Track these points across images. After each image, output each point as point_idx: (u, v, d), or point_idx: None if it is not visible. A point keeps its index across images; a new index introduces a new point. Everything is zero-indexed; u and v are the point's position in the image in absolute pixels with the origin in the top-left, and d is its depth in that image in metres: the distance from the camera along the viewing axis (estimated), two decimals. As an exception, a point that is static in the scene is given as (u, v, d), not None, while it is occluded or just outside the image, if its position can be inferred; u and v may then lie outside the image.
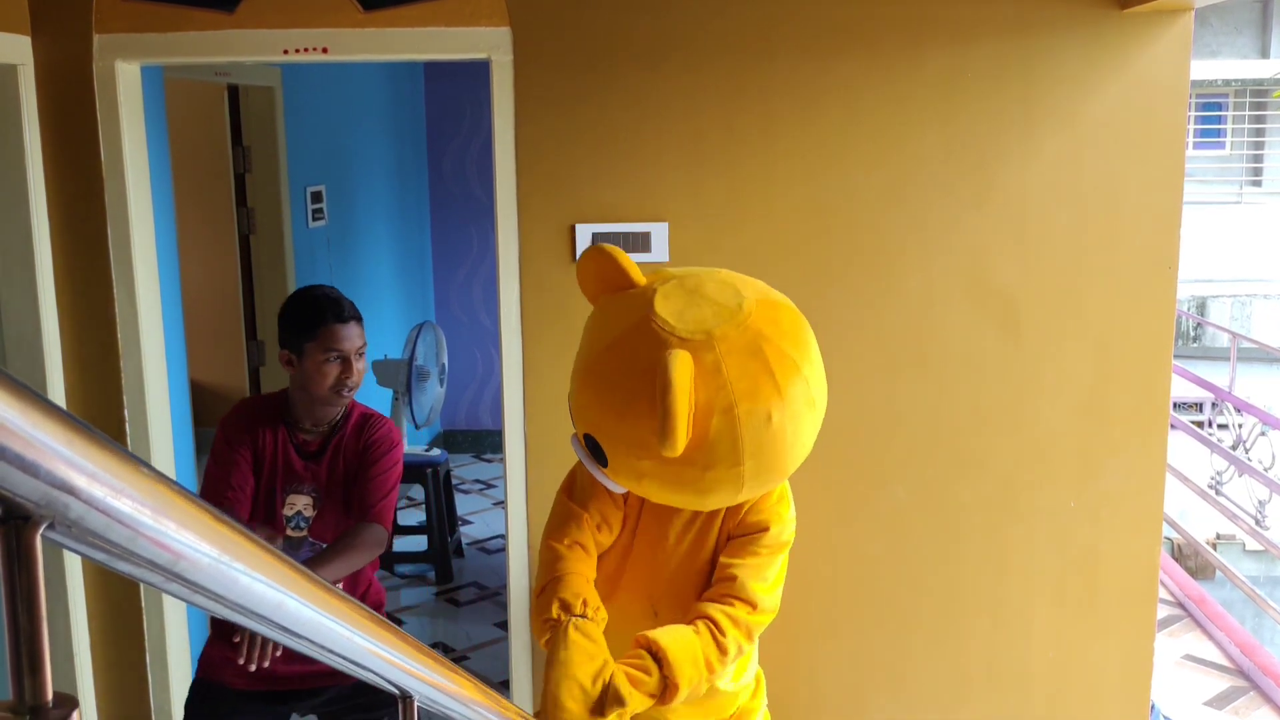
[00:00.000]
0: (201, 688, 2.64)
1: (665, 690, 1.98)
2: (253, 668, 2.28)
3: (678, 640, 2.02)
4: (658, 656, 1.99)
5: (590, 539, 2.20)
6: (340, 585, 2.43)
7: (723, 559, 2.18)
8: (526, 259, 3.08)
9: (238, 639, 2.30)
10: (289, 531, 2.58)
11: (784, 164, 3.06)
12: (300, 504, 2.57)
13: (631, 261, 2.14)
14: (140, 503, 0.60)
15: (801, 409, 2.02)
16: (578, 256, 3.13)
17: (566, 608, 2.03)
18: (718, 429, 1.94)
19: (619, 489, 2.18)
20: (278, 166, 5.03)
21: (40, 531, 0.55)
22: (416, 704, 1.22)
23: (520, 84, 3.03)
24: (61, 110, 3.00)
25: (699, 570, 2.24)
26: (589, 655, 1.95)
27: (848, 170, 3.05)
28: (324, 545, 2.57)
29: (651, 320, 1.99)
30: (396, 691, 1.20)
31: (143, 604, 3.19)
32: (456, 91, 6.98)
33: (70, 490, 0.55)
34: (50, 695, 0.57)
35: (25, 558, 0.55)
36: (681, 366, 1.88)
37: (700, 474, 1.99)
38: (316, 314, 2.55)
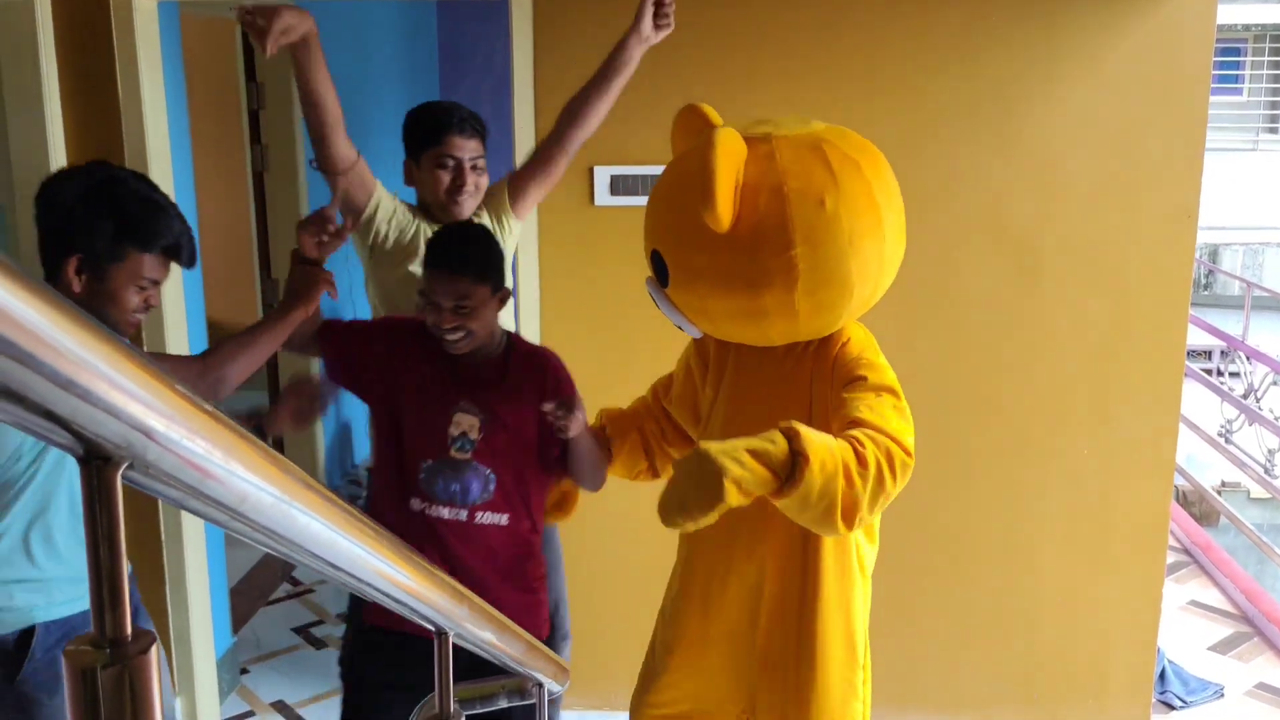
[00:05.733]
0: (370, 634, 2.36)
1: (794, 467, 1.68)
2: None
3: (814, 430, 1.76)
4: (789, 433, 1.71)
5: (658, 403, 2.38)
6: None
7: (840, 414, 1.95)
8: (544, 201, 3.07)
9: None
10: (453, 452, 2.29)
11: (805, 109, 3.03)
12: (466, 424, 2.30)
13: (715, 113, 2.12)
14: (213, 445, 0.62)
15: (861, 207, 1.91)
16: (596, 199, 3.13)
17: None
18: (765, 206, 1.88)
19: (691, 329, 2.10)
20: (291, 103, 4.98)
21: (121, 472, 0.57)
22: (451, 639, 1.26)
23: (540, 22, 3.01)
24: (78, 46, 2.99)
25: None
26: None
27: (870, 116, 3.03)
28: (489, 471, 2.29)
29: (714, 130, 1.93)
30: (433, 628, 1.24)
31: (165, 573, 3.19)
32: (469, 30, 6.91)
33: (148, 433, 0.56)
34: (130, 629, 0.59)
35: (107, 497, 0.56)
36: (726, 136, 1.87)
37: (749, 261, 1.91)
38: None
